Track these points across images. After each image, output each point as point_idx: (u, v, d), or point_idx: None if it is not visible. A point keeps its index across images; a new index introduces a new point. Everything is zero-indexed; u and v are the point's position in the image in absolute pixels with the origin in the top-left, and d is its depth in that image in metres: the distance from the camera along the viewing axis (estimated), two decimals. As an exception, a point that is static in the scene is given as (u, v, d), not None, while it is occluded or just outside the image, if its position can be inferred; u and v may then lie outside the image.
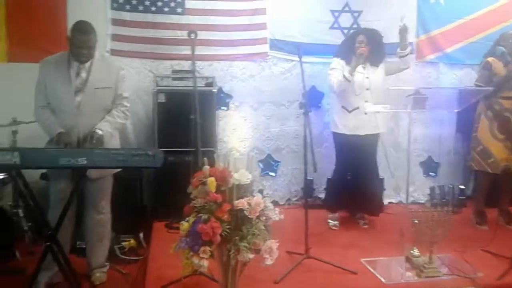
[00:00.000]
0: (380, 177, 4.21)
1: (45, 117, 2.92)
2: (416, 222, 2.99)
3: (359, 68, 3.79)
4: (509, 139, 3.89)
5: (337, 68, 3.84)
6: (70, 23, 3.81)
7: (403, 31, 3.79)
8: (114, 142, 3.03)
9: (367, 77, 3.82)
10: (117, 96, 3.03)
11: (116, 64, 3.11)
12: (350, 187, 3.93)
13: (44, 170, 3.49)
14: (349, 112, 3.86)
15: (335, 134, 4.02)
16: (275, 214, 2.37)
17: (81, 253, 3.35)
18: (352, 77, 3.72)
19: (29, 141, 3.12)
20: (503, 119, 3.89)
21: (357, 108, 3.82)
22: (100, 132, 2.84)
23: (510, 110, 3.89)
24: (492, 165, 3.93)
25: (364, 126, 3.85)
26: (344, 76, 3.73)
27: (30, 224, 3.65)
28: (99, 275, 3.14)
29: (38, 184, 3.62)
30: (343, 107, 3.89)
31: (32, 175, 2.99)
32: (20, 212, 3.66)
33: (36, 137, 3.05)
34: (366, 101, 3.77)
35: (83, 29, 2.86)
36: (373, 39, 3.87)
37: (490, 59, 3.96)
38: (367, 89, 3.82)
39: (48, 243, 2.57)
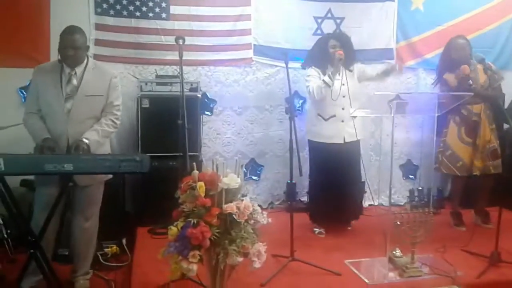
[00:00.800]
0: (362, 180, 4.27)
1: (33, 122, 2.90)
2: (398, 224, 3.05)
3: (335, 75, 3.73)
4: (476, 143, 4.00)
5: (314, 75, 3.82)
6: (54, 28, 3.85)
7: (390, 70, 3.84)
8: (103, 150, 3.00)
9: (343, 84, 3.75)
10: (108, 104, 3.00)
11: (109, 72, 3.07)
12: (334, 199, 3.86)
13: (24, 177, 3.45)
14: (326, 120, 3.83)
15: (310, 142, 3.98)
16: (263, 218, 2.40)
17: (62, 260, 3.33)
18: (332, 81, 3.68)
19: (8, 148, 3.08)
20: (471, 123, 3.99)
21: (334, 116, 3.80)
22: (86, 141, 2.81)
23: (478, 114, 3.99)
24: (461, 168, 4.02)
25: (341, 134, 3.81)
26: (324, 81, 3.69)
27: (9, 231, 3.58)
28: (82, 282, 3.11)
29: (18, 191, 3.57)
30: (319, 115, 3.86)
31: (12, 182, 2.95)
32: (0, 220, 3.60)
33: (16, 142, 3.02)
34: (343, 108, 3.78)
35: (68, 30, 2.86)
36: (345, 42, 3.86)
37: (445, 76, 4.06)
38: (343, 96, 3.76)
39: (32, 250, 2.55)
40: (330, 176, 3.84)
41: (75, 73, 2.92)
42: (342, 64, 3.73)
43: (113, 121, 3.02)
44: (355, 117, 3.80)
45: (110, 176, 3.07)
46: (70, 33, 2.85)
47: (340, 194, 3.87)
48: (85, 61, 2.96)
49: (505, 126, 4.45)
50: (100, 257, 3.44)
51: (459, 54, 3.98)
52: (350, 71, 3.89)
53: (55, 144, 2.80)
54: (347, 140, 3.84)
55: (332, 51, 3.78)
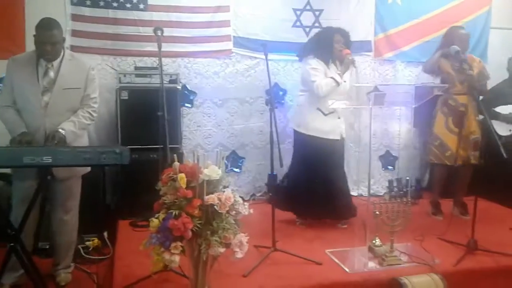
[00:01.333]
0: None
1: (8, 115, 2.84)
2: (377, 213, 3.10)
3: (337, 70, 3.72)
4: (462, 132, 4.06)
5: (319, 69, 3.72)
6: (29, 19, 3.77)
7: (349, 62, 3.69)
8: (81, 142, 2.97)
9: (344, 81, 3.75)
10: (85, 96, 2.96)
11: (86, 64, 3.02)
12: (320, 193, 3.80)
13: (1, 170, 3.39)
14: (325, 115, 3.78)
15: (301, 135, 3.85)
16: (245, 209, 2.40)
17: (43, 253, 3.30)
18: (342, 80, 3.65)
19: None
20: (458, 114, 4.06)
21: (333, 111, 3.78)
22: (62, 132, 2.78)
23: (465, 104, 4.06)
24: (449, 158, 4.09)
25: (338, 130, 3.82)
26: (333, 79, 3.64)
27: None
28: (64, 276, 3.09)
29: (-4, 185, 3.52)
30: (318, 109, 3.78)
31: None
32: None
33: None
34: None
35: (45, 25, 2.79)
36: (347, 39, 3.83)
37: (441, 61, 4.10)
38: (345, 93, 3.80)
39: (12, 244, 2.51)
40: (319, 171, 3.79)
41: (52, 65, 2.86)
42: (353, 65, 3.66)
43: (90, 113, 2.98)
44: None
45: (89, 169, 3.03)
46: (48, 29, 2.77)
47: (329, 189, 3.82)
48: (61, 53, 2.90)
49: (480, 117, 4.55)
50: (81, 250, 3.43)
51: (463, 45, 3.98)
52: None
53: (32, 138, 2.75)
54: (341, 137, 3.85)
55: (338, 46, 3.73)
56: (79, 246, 3.42)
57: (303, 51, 3.92)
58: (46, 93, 2.84)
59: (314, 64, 3.74)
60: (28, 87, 2.82)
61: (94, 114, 3.03)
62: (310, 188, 3.81)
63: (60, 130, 2.79)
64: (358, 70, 3.76)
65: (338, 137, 3.82)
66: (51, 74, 2.86)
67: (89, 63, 3.12)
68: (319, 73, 3.71)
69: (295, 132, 3.94)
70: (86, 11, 4.20)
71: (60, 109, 2.86)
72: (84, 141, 3.04)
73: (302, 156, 3.90)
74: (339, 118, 3.81)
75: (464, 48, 3.99)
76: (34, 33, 2.81)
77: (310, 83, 3.72)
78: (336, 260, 3.20)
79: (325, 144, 3.77)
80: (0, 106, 2.88)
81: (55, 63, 2.87)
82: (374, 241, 3.24)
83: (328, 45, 3.77)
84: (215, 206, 2.29)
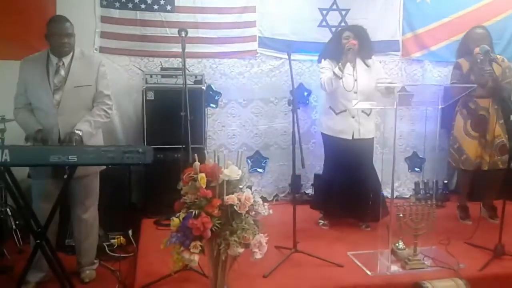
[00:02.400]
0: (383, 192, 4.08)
1: (23, 115, 2.90)
2: (400, 216, 3.05)
3: (349, 69, 3.70)
4: (483, 137, 3.97)
5: (327, 68, 3.76)
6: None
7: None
8: (96, 140, 3.00)
9: (355, 80, 3.72)
10: (98, 93, 2.98)
11: (96, 61, 3.04)
12: (339, 191, 3.83)
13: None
14: (336, 114, 3.78)
15: (322, 134, 3.95)
16: (264, 209, 2.41)
17: (70, 250, 3.38)
18: (342, 73, 3.63)
19: (17, 140, 3.11)
20: (478, 118, 3.96)
21: (344, 110, 3.74)
22: (79, 133, 2.80)
23: (486, 108, 3.95)
24: (465, 162, 4.00)
25: (350, 130, 3.74)
26: (334, 72, 3.65)
27: (18, 222, 3.65)
28: (88, 273, 3.16)
29: (25, 183, 3.61)
30: (330, 107, 3.82)
31: (20, 173, 2.99)
32: (8, 211, 3.66)
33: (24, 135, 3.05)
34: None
35: (56, 19, 2.87)
36: (360, 34, 3.79)
37: (460, 60, 4.03)
38: (355, 92, 3.69)
39: (38, 241, 2.58)
40: (338, 171, 3.81)
41: (63, 63, 2.89)
42: (352, 54, 3.68)
43: (105, 111, 3.00)
44: (368, 114, 3.79)
45: (104, 166, 3.07)
46: (61, 22, 2.84)
47: (347, 190, 3.82)
48: (71, 51, 2.94)
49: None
50: (106, 248, 3.50)
51: (478, 44, 3.84)
52: (367, 66, 3.82)
53: (47, 136, 2.79)
54: (355, 137, 3.76)
55: (345, 42, 3.72)
56: (104, 244, 3.49)
57: (320, 55, 3.93)
58: (57, 92, 2.87)
59: (323, 64, 3.81)
60: (39, 86, 2.86)
61: (110, 112, 3.04)
62: (329, 185, 3.85)
63: (77, 131, 2.80)
64: (380, 67, 3.75)
65: (349, 137, 3.76)
66: (62, 72, 2.89)
67: (100, 59, 3.14)
68: (326, 71, 3.75)
69: (320, 132, 4.01)
70: (115, 13, 4.29)
71: (72, 107, 2.88)
72: (98, 140, 3.05)
73: (326, 153, 3.98)
74: (353, 117, 3.76)
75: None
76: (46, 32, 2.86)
77: (320, 81, 3.79)
78: (358, 263, 3.17)
79: (340, 143, 3.78)
80: (15, 108, 2.94)
81: (66, 61, 2.90)
82: (397, 244, 3.18)
83: (338, 44, 3.78)
84: (235, 207, 2.31)
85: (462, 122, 4.04)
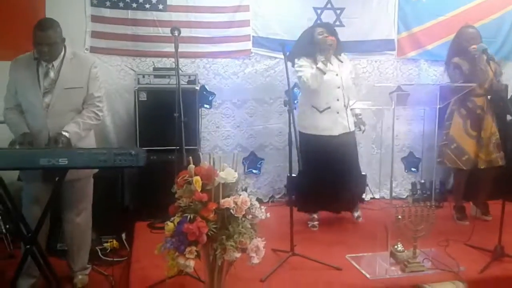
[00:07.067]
0: (363, 173, 4.23)
1: (11, 116, 2.84)
2: (399, 218, 3.00)
3: (329, 65, 3.67)
4: (479, 135, 3.95)
5: (305, 65, 3.70)
6: (49, 20, 3.76)
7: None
8: (88, 142, 2.93)
9: (337, 75, 3.72)
10: (89, 96, 2.91)
11: (88, 62, 2.95)
12: (326, 188, 3.78)
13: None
14: (320, 112, 3.74)
15: (301, 134, 3.75)
16: (261, 213, 2.36)
17: (62, 255, 3.29)
18: (327, 68, 3.60)
19: (6, 142, 3.03)
20: (476, 117, 3.95)
21: (329, 107, 3.73)
22: (66, 135, 2.73)
23: (482, 107, 3.94)
24: (466, 162, 3.98)
25: (336, 126, 3.75)
26: (318, 68, 3.59)
27: (7, 226, 3.56)
28: (81, 277, 3.09)
29: (15, 186, 3.53)
30: (313, 106, 3.77)
31: (9, 176, 2.91)
32: (-2, 215, 3.58)
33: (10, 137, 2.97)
34: (337, 100, 3.72)
35: (41, 26, 2.74)
36: (332, 30, 3.81)
37: (457, 60, 3.98)
38: (338, 87, 3.72)
39: (28, 246, 2.51)
40: (321, 168, 3.73)
41: (53, 65, 2.82)
42: (333, 50, 3.67)
43: (95, 113, 2.92)
44: (347, 107, 3.78)
45: (97, 170, 2.99)
46: (42, 30, 2.72)
47: (332, 184, 3.78)
48: (62, 53, 2.85)
49: (508, 117, 4.40)
50: (99, 252, 3.43)
51: (470, 44, 3.86)
52: (341, 61, 3.83)
53: (33, 139, 2.72)
54: (341, 132, 3.77)
55: (321, 37, 3.70)
56: (97, 248, 3.42)
57: (291, 55, 3.80)
58: (47, 94, 2.80)
59: (301, 62, 3.73)
60: (29, 88, 2.80)
61: (100, 114, 2.96)
62: (311, 182, 3.76)
63: (64, 132, 2.73)
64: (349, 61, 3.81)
65: (336, 133, 3.75)
66: (52, 74, 2.82)
67: (92, 60, 3.05)
68: (306, 68, 3.69)
69: (299, 132, 3.82)
70: (106, 12, 4.21)
71: (62, 110, 2.82)
72: (90, 142, 2.98)
73: (303, 154, 3.70)
74: (337, 113, 3.74)
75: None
76: None
77: (299, 80, 3.75)
78: (357, 266, 3.12)
79: (324, 140, 3.73)
80: (4, 108, 2.88)
81: (56, 63, 2.83)
82: (396, 246, 3.13)
83: (312, 41, 3.76)
84: (231, 210, 2.25)
85: (461, 121, 4.01)
